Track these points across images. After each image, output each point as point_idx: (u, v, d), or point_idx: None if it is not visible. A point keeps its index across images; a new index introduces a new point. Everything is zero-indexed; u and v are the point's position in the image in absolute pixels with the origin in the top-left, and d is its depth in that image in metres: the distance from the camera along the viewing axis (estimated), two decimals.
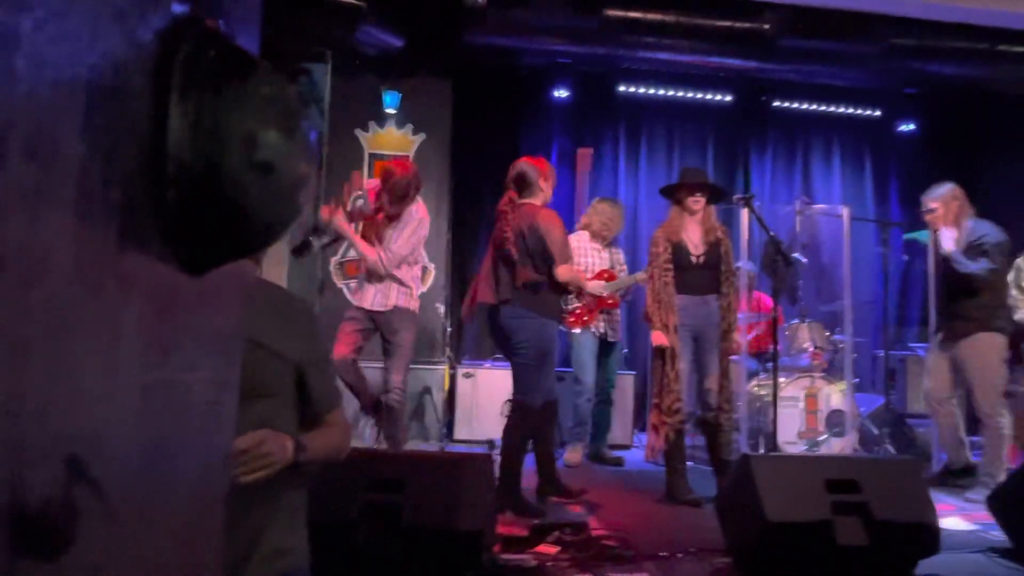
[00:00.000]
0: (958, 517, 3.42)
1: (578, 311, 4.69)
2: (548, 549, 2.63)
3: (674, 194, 3.86)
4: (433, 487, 2.34)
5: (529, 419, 3.44)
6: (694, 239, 3.78)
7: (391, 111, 5.67)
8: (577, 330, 4.76)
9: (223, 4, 0.44)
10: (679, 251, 3.74)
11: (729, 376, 3.81)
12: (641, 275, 5.09)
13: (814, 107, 6.63)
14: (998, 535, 2.90)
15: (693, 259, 3.74)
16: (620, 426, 5.25)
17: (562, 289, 3.52)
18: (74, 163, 0.31)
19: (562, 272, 3.41)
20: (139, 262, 0.35)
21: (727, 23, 5.02)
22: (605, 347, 4.84)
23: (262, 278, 1.66)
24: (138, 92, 0.34)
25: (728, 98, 6.46)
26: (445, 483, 2.38)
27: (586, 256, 4.85)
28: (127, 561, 0.36)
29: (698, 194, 3.78)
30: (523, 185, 3.56)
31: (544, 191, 3.58)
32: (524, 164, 3.64)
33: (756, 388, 5.00)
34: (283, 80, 0.42)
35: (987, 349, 3.92)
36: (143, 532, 0.37)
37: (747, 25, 5.02)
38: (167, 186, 0.36)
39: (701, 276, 3.74)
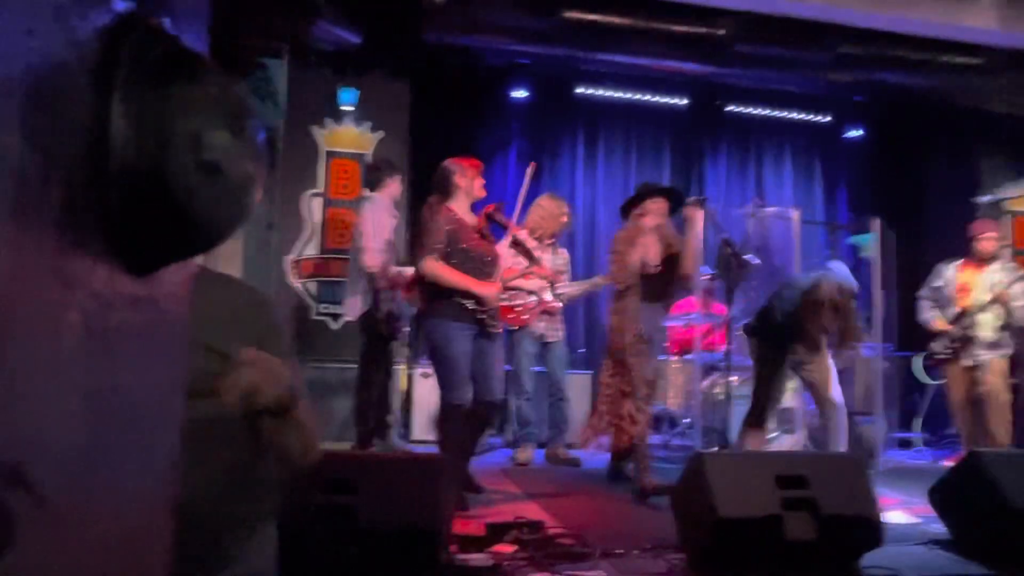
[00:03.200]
0: (901, 511, 3.54)
1: (518, 310, 4.70)
2: (505, 548, 2.63)
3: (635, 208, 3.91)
4: (388, 488, 2.33)
5: (448, 419, 3.40)
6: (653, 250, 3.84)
7: (348, 108, 5.61)
8: (515, 329, 4.75)
9: (170, 0, 0.43)
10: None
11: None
12: (599, 279, 5.13)
13: (767, 112, 6.78)
14: (939, 527, 3.01)
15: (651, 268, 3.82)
16: (577, 426, 5.28)
17: (448, 287, 3.30)
18: (12, 162, 0.30)
19: (422, 267, 3.32)
20: (81, 263, 0.34)
21: (683, 28, 5.10)
22: (545, 347, 4.87)
23: (213, 271, 1.51)
24: (79, 91, 0.34)
25: (684, 102, 6.56)
26: (400, 483, 2.37)
27: (517, 256, 4.83)
28: (69, 564, 0.35)
29: (660, 200, 3.88)
30: (439, 188, 3.47)
31: (462, 189, 3.44)
32: (442, 165, 3.53)
33: (710, 387, 5.08)
34: (230, 80, 0.42)
35: None
36: (86, 535, 0.36)
37: (703, 30, 5.11)
38: (110, 186, 0.36)
39: (657, 283, 3.85)
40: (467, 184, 3.46)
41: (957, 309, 4.78)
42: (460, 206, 3.47)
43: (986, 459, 2.78)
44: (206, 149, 0.39)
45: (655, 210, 3.83)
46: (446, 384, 3.40)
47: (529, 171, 3.87)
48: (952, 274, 4.88)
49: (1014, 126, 6.36)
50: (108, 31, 0.35)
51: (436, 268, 3.30)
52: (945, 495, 2.96)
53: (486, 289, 3.32)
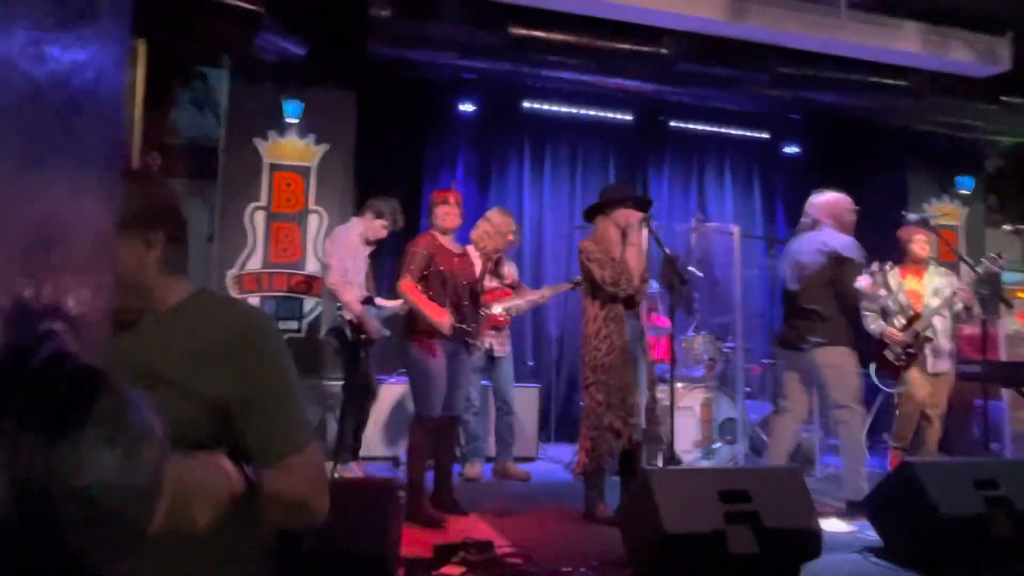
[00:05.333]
0: (837, 519, 3.66)
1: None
2: (453, 570, 2.62)
3: (603, 211, 3.82)
4: (336, 512, 2.28)
5: (417, 435, 3.65)
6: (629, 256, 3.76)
7: (292, 120, 5.52)
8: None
9: (91, 21, 0.41)
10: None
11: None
12: (547, 291, 5.16)
13: (708, 128, 6.95)
14: (873, 535, 3.12)
15: None
16: (525, 439, 5.30)
17: (420, 311, 3.66)
18: None
19: (398, 286, 3.72)
20: None
21: (628, 46, 5.19)
22: (492, 362, 4.87)
23: (208, 293, 1.29)
24: None
25: (629, 117, 6.68)
26: (348, 508, 2.33)
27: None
28: None
29: (631, 208, 3.77)
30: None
31: (434, 218, 3.87)
32: None
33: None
34: (123, 401, 0.40)
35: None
36: None
37: (646, 49, 5.21)
38: None
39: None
40: (433, 217, 3.86)
41: (911, 314, 4.55)
42: (442, 235, 3.84)
43: (918, 469, 2.90)
44: (98, 500, 0.37)
45: (626, 217, 3.74)
46: (422, 397, 3.64)
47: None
48: (896, 281, 4.66)
49: (937, 144, 6.69)
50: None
51: (407, 289, 3.68)
52: (879, 504, 3.08)
53: (440, 318, 3.61)
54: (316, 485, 1.25)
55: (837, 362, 3.97)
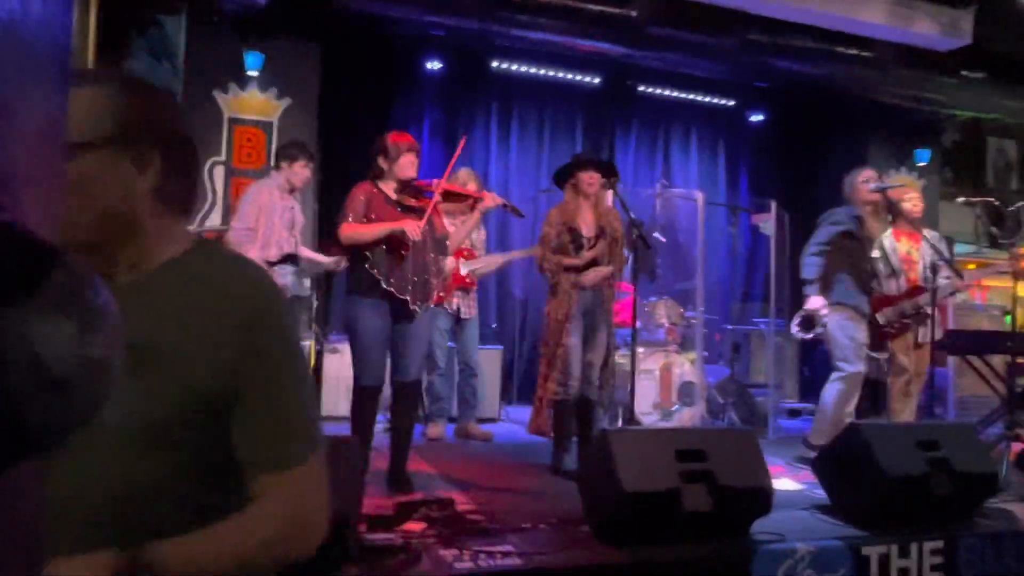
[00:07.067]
0: (787, 478, 3.79)
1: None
2: (414, 526, 2.65)
3: (568, 177, 3.88)
4: None
5: (356, 402, 3.32)
6: (587, 221, 3.85)
7: (253, 73, 5.36)
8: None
9: None
10: (573, 234, 3.81)
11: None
12: (516, 253, 5.17)
13: (675, 94, 6.95)
14: (820, 493, 3.24)
15: (585, 241, 3.82)
16: (488, 400, 5.34)
17: (364, 261, 3.24)
18: None
19: (339, 236, 3.26)
20: None
21: (598, 7, 5.14)
22: (458, 323, 4.88)
23: (187, 233, 1.00)
24: None
25: (596, 81, 6.64)
26: None
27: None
28: None
29: (592, 172, 3.81)
30: (370, 167, 3.40)
31: (384, 169, 3.35)
32: (376, 141, 3.44)
33: (617, 361, 5.23)
34: (78, 276, 0.38)
35: None
36: None
37: (616, 11, 5.17)
38: None
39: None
40: (389, 165, 3.36)
41: (907, 282, 4.42)
42: (387, 184, 3.39)
43: (864, 431, 3.00)
44: (50, 367, 0.36)
45: (588, 182, 3.81)
46: (356, 365, 3.33)
47: (460, 144, 3.81)
48: (891, 244, 4.50)
49: (900, 116, 6.80)
50: None
51: (350, 228, 3.24)
52: (827, 464, 3.19)
53: (404, 225, 3.16)
54: (302, 515, 0.94)
55: (830, 323, 4.25)
